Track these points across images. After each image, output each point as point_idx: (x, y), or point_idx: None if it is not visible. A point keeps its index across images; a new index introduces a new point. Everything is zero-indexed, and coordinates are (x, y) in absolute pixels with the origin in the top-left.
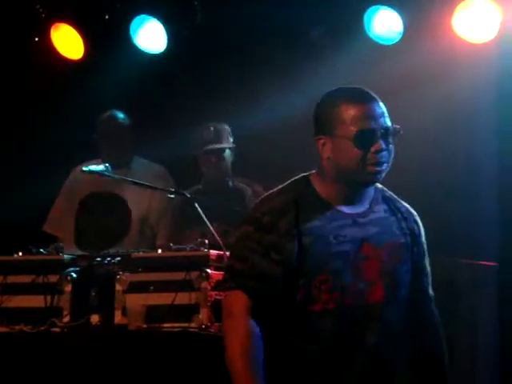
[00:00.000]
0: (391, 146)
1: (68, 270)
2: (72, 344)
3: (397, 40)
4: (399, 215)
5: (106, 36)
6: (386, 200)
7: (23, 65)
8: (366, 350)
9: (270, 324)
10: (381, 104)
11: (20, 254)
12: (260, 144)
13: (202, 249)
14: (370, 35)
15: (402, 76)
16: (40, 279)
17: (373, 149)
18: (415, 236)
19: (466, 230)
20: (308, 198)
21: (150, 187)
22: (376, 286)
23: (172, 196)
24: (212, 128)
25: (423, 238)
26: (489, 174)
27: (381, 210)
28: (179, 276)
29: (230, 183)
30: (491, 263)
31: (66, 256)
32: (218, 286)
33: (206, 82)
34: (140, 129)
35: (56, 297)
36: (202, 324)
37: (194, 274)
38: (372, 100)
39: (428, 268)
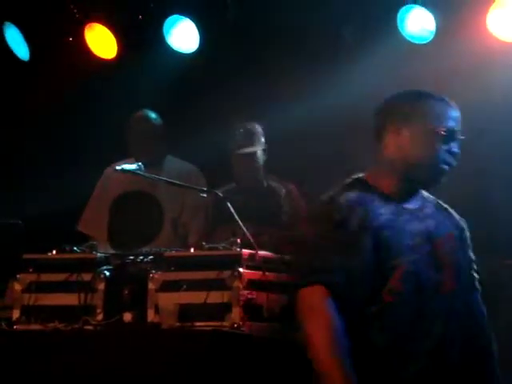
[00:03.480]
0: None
1: (101, 268)
2: (105, 342)
3: (430, 39)
4: (445, 212)
5: (139, 35)
6: (428, 199)
7: (58, 65)
8: (433, 338)
9: (351, 320)
10: None
11: (54, 252)
12: (293, 145)
13: (235, 248)
14: (403, 34)
15: (435, 76)
16: (74, 277)
17: (451, 148)
18: (462, 229)
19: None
20: (371, 194)
21: (183, 186)
22: (447, 276)
23: (204, 195)
24: (242, 130)
25: (467, 233)
26: None
27: (430, 206)
28: (211, 275)
29: (265, 182)
30: None
31: (99, 254)
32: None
33: (239, 82)
34: (172, 128)
35: (89, 295)
36: (234, 323)
37: (226, 273)
38: (450, 103)
39: (474, 262)
